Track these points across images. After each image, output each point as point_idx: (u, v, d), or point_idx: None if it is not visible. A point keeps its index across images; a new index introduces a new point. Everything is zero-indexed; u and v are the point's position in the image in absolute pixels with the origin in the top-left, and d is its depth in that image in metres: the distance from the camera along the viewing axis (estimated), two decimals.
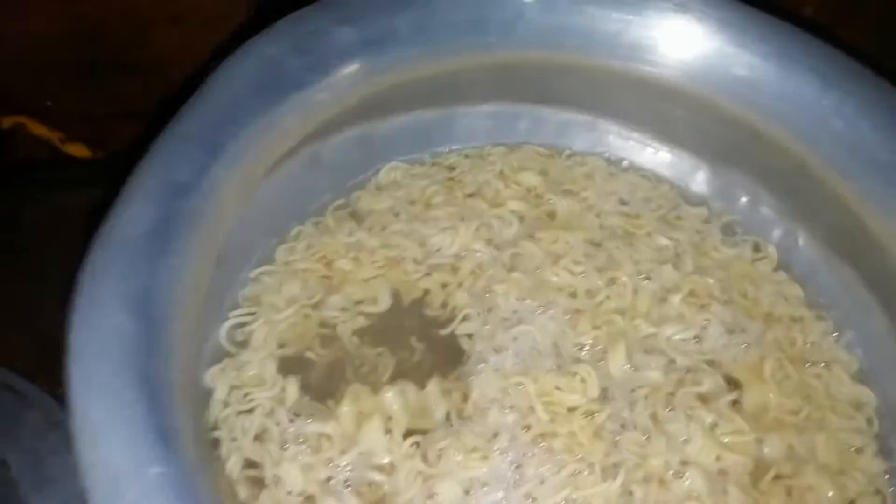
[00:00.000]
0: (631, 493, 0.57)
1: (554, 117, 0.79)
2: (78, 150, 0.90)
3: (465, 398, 0.62)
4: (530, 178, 0.77)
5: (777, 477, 0.59)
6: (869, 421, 0.63)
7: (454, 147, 0.80)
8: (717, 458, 0.58)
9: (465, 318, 0.67)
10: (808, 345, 0.67)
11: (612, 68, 0.72)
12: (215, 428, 0.59)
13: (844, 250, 0.68)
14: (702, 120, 0.72)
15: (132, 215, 0.52)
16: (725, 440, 0.59)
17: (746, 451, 0.59)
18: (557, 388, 0.61)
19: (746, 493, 0.57)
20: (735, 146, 0.73)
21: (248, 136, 0.58)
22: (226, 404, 0.60)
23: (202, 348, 0.63)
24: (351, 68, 0.65)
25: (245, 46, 0.62)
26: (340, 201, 0.75)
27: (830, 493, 0.58)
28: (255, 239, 0.70)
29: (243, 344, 0.64)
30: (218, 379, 0.61)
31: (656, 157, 0.79)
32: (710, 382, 0.63)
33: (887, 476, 0.60)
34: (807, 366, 0.66)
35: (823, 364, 0.66)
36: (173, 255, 0.51)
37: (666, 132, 0.77)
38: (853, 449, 0.61)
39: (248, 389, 0.61)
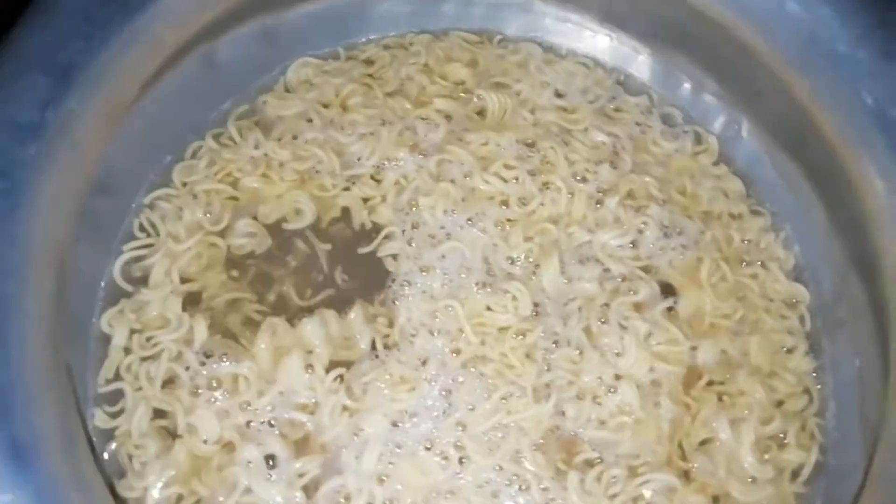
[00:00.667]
0: (563, 413, 0.56)
1: None
2: None
3: (391, 324, 0.58)
4: (458, 71, 0.69)
5: (709, 384, 0.58)
6: (801, 319, 0.62)
7: (371, 37, 0.71)
8: (651, 370, 0.57)
9: (388, 237, 0.62)
10: (746, 243, 0.65)
11: None
12: (117, 378, 0.55)
13: (788, 142, 0.64)
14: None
15: None
16: (659, 350, 0.58)
17: (680, 360, 0.58)
18: (488, 308, 0.58)
19: (678, 401, 0.57)
20: (679, 28, 0.66)
21: (106, 53, 0.48)
22: (127, 351, 0.56)
23: (95, 290, 0.57)
24: None
25: None
26: (243, 108, 0.66)
27: (759, 396, 0.57)
28: (146, 158, 0.62)
29: (141, 281, 0.58)
30: (115, 323, 0.56)
31: (595, 41, 0.71)
32: (645, 290, 0.60)
33: (815, 374, 0.60)
34: (743, 265, 0.63)
35: (760, 263, 0.64)
36: (20, 221, 0.43)
37: (606, 14, 0.69)
38: (784, 349, 0.61)
39: (150, 332, 0.56)
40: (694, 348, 0.58)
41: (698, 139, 0.69)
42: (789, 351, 0.60)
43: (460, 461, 0.54)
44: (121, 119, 0.51)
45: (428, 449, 0.54)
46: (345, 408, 0.54)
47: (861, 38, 0.51)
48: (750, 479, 0.55)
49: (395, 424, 0.54)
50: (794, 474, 0.56)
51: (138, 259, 0.59)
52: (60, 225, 0.45)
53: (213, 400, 0.54)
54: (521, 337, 0.57)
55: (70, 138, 0.46)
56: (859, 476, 0.51)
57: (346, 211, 0.62)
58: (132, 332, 0.56)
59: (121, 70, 0.49)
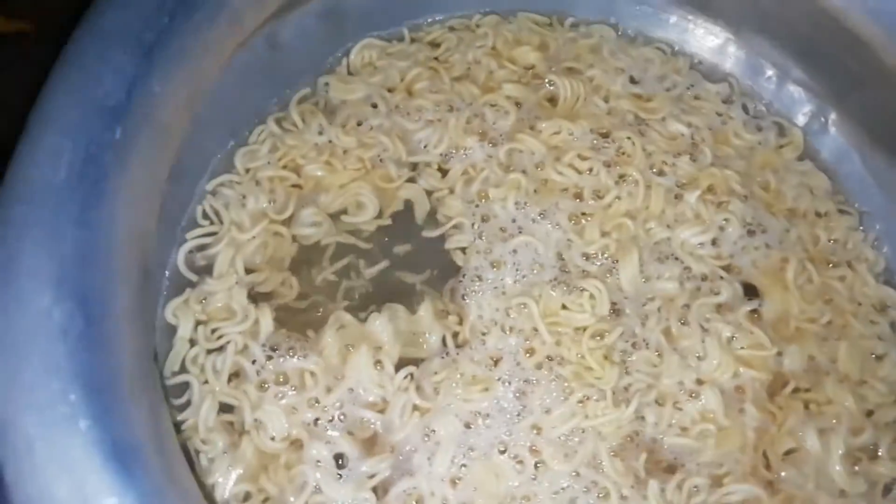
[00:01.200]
0: (643, 419, 0.53)
1: None
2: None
3: (462, 321, 0.56)
4: (527, 55, 0.66)
5: (795, 391, 0.55)
6: (892, 325, 0.59)
7: (437, 17, 0.68)
8: (734, 375, 0.55)
9: (457, 228, 0.59)
10: (832, 242, 0.61)
11: None
12: (183, 370, 0.53)
13: (882, 136, 0.60)
14: None
15: (48, 154, 0.41)
16: (743, 354, 0.55)
17: (765, 365, 0.55)
18: (564, 306, 0.56)
19: (763, 409, 0.54)
20: (763, 9, 0.62)
21: (189, 31, 0.46)
22: (192, 343, 0.54)
23: (159, 279, 0.55)
24: None
25: None
26: (306, 91, 0.64)
27: (848, 405, 0.54)
28: (208, 142, 0.60)
29: (206, 270, 0.56)
30: (180, 314, 0.54)
31: (672, 25, 0.68)
32: (728, 291, 0.57)
33: None
34: (830, 267, 0.60)
35: (847, 264, 0.61)
36: (104, 206, 0.41)
37: None
38: (874, 356, 0.58)
39: (216, 324, 0.54)
40: (780, 353, 0.56)
41: (782, 131, 0.65)
42: (879, 358, 0.57)
43: (536, 466, 0.52)
44: (196, 105, 0.49)
45: (502, 452, 0.52)
46: (415, 407, 0.53)
47: None
48: (839, 493, 0.52)
49: (467, 426, 0.52)
50: (888, 489, 0.53)
51: (202, 248, 0.57)
52: (144, 214, 0.44)
53: (280, 396, 0.52)
54: (599, 338, 0.55)
55: (153, 121, 0.43)
56: None
57: (408, 203, 0.60)
58: (197, 322, 0.54)
59: (202, 49, 0.47)
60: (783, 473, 0.53)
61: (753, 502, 0.51)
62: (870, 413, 0.55)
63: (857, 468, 0.53)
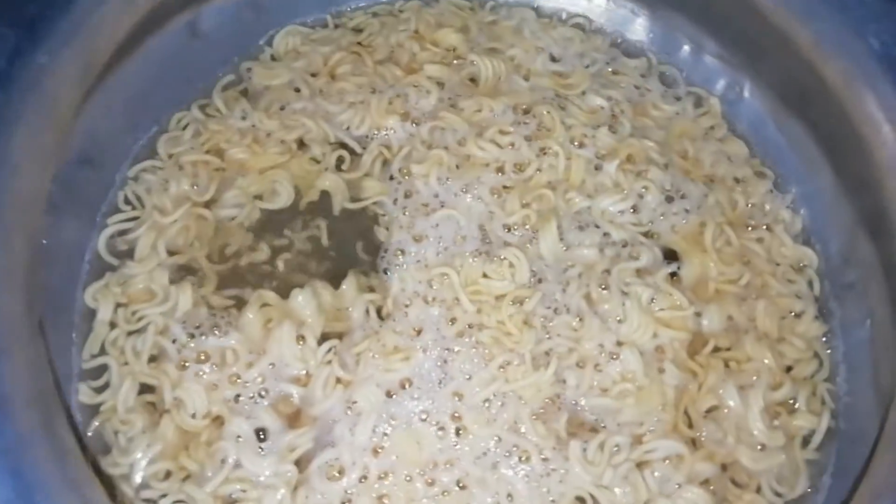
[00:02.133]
0: (564, 381, 0.54)
1: None
2: None
3: (385, 295, 0.56)
4: (449, 37, 0.67)
5: (715, 350, 0.56)
6: (810, 283, 0.60)
7: (360, 4, 0.69)
8: (654, 336, 0.55)
9: (378, 206, 0.60)
10: (750, 206, 0.63)
11: None
12: (102, 353, 0.53)
13: (793, 102, 0.62)
14: None
15: None
16: (663, 316, 0.56)
17: (685, 325, 0.56)
18: (484, 275, 0.56)
19: (683, 368, 0.55)
20: None
21: (77, 8, 0.46)
22: (112, 325, 0.54)
23: (79, 264, 0.55)
24: None
25: None
26: (229, 78, 0.65)
27: (767, 361, 0.55)
28: (130, 129, 0.61)
29: (127, 254, 0.57)
30: (100, 297, 0.54)
31: (591, 4, 0.69)
32: (647, 256, 0.58)
33: (825, 339, 0.58)
34: (748, 229, 0.61)
35: (765, 226, 0.62)
36: None
37: None
38: (793, 314, 0.59)
39: (136, 306, 0.54)
40: (698, 314, 0.56)
41: (699, 102, 0.67)
42: (797, 316, 0.58)
43: (457, 432, 0.52)
44: (98, 81, 0.49)
45: (424, 420, 0.52)
46: (338, 379, 0.53)
47: None
48: (759, 447, 0.53)
49: (389, 395, 0.53)
50: (805, 441, 0.54)
51: (123, 232, 0.57)
52: (30, 182, 0.43)
53: (201, 373, 0.52)
54: (518, 304, 0.55)
55: (41, 93, 0.44)
56: (872, 440, 0.49)
57: (325, 194, 0.60)
58: (117, 305, 0.54)
59: (93, 27, 0.47)
60: (704, 430, 0.53)
61: (675, 459, 0.52)
62: (788, 369, 0.56)
63: (776, 422, 0.54)
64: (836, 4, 0.51)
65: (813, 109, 0.58)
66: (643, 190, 0.61)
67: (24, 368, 0.40)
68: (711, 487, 0.52)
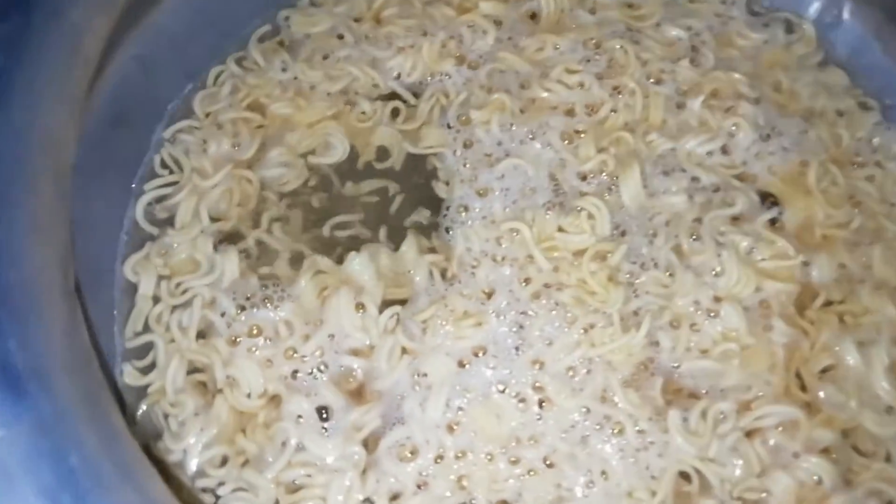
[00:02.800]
0: (657, 344, 0.48)
1: None
2: None
3: (449, 256, 0.51)
4: None
5: (827, 303, 0.49)
6: None
7: None
8: (757, 289, 0.49)
9: (437, 159, 0.54)
10: (857, 141, 0.55)
11: None
12: (147, 330, 0.49)
13: None
14: None
15: None
16: (766, 267, 0.49)
17: (791, 276, 0.49)
18: (560, 229, 0.50)
19: (793, 324, 0.48)
20: None
21: None
22: (156, 300, 0.49)
23: (116, 235, 0.51)
24: None
25: None
26: (266, 28, 0.59)
27: (889, 313, 0.48)
28: (164, 87, 0.56)
29: (167, 222, 0.52)
30: (141, 270, 0.50)
31: None
32: (743, 201, 0.51)
33: None
34: (856, 167, 0.54)
35: (875, 163, 0.55)
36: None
37: None
38: None
39: (180, 278, 0.50)
40: (806, 263, 0.50)
41: (790, 28, 0.59)
42: None
43: (540, 404, 0.46)
44: (126, 30, 0.44)
45: (502, 391, 0.47)
46: (404, 350, 0.48)
47: None
48: (886, 409, 0.46)
49: (461, 365, 0.47)
50: None
51: (162, 199, 0.53)
52: (55, 116, 0.38)
53: (254, 349, 0.48)
54: (601, 260, 0.49)
55: (65, 22, 0.39)
56: None
57: (382, 150, 0.55)
58: (160, 278, 0.50)
59: None
60: (821, 393, 0.47)
61: (790, 425, 0.46)
62: None
63: None
64: None
65: None
66: (733, 128, 0.54)
67: (62, 336, 0.35)
68: (833, 456, 0.46)
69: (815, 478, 0.45)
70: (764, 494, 0.44)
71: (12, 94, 0.36)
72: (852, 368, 0.47)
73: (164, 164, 0.54)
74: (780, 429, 0.46)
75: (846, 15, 0.58)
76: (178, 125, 0.55)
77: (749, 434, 0.46)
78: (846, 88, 0.57)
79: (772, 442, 0.45)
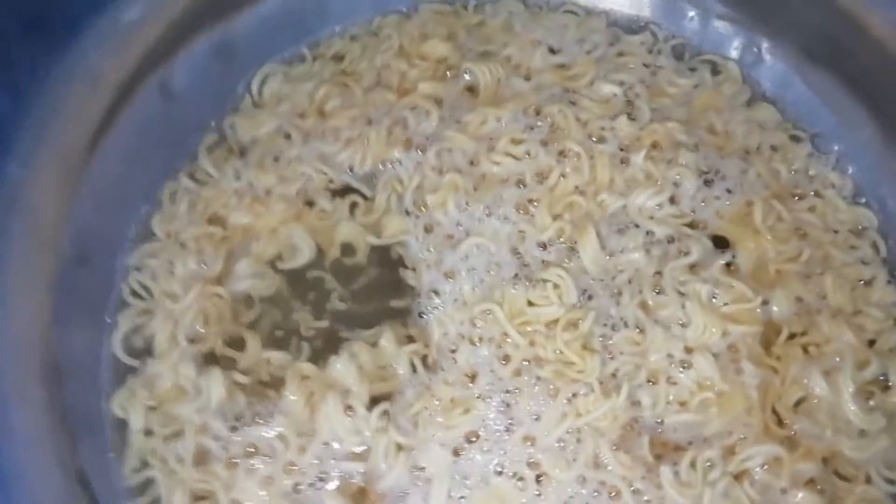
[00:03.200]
0: (639, 403, 0.50)
1: None
2: None
3: (427, 342, 0.52)
4: (438, 48, 0.62)
5: (791, 337, 0.52)
6: (874, 246, 0.56)
7: (335, 29, 0.64)
8: (724, 334, 0.51)
9: (401, 247, 0.55)
10: (794, 173, 0.58)
11: None
12: (145, 466, 0.49)
13: (818, 51, 0.57)
14: None
15: None
16: (728, 311, 0.52)
17: (753, 318, 0.52)
18: (530, 303, 0.52)
19: (761, 364, 0.51)
20: None
21: (40, 103, 0.42)
22: (148, 433, 0.49)
23: (96, 372, 0.51)
24: None
25: None
26: (212, 137, 0.60)
27: (848, 339, 0.51)
28: (118, 214, 0.56)
29: (146, 352, 0.52)
30: (128, 405, 0.50)
31: None
32: (697, 249, 0.54)
33: None
34: (797, 200, 0.57)
35: (814, 193, 0.58)
36: None
37: None
38: (863, 283, 0.55)
39: (168, 407, 0.50)
40: (766, 302, 0.53)
41: (716, 69, 0.62)
42: (868, 283, 0.55)
43: (538, 480, 0.48)
44: (79, 175, 0.45)
45: (499, 473, 0.48)
46: (399, 446, 0.49)
47: None
48: (859, 433, 0.49)
49: (456, 454, 0.49)
50: None
51: (137, 329, 0.53)
52: (37, 306, 0.39)
53: (252, 468, 0.48)
54: (573, 328, 0.51)
55: (22, 208, 0.39)
56: None
57: (347, 245, 0.56)
58: (148, 409, 0.50)
59: (62, 121, 0.42)
60: (797, 426, 0.50)
61: (774, 463, 0.48)
62: (871, 342, 0.53)
63: (871, 403, 0.50)
64: None
65: (849, 61, 0.54)
66: (678, 177, 0.56)
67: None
68: (819, 487, 0.48)
69: None
70: None
71: None
72: (822, 398, 0.50)
73: (133, 293, 0.54)
74: (766, 467, 0.48)
75: (765, 53, 0.61)
76: (141, 249, 0.55)
77: (737, 477, 0.48)
78: (777, 123, 0.60)
79: (758, 482, 0.48)
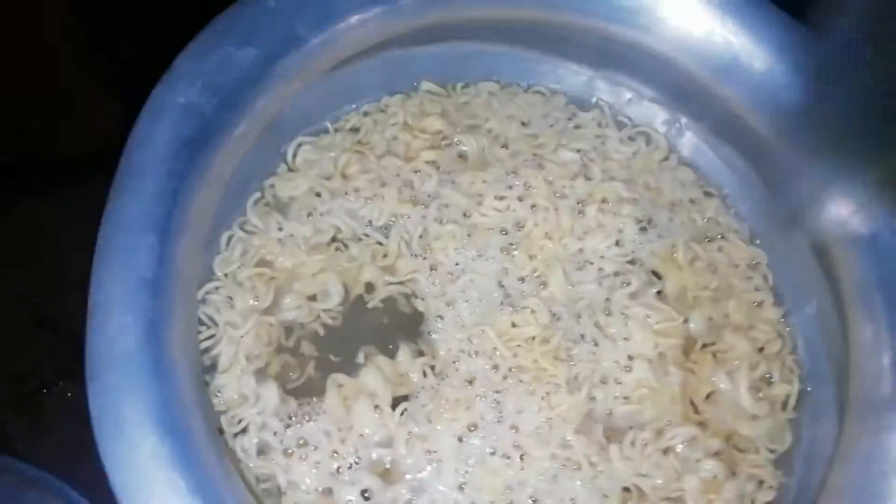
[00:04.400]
0: (594, 398, 0.66)
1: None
2: None
3: (435, 355, 0.68)
4: (434, 123, 0.77)
5: (703, 346, 0.70)
6: (764, 277, 0.74)
7: (352, 107, 0.79)
8: (655, 346, 0.68)
9: (413, 283, 0.71)
10: (707, 221, 0.76)
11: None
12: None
13: (720, 130, 0.76)
14: (586, 37, 0.75)
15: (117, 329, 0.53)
16: (659, 328, 0.69)
17: (677, 332, 0.69)
18: (513, 324, 0.68)
19: (682, 367, 0.68)
20: (615, 53, 0.77)
21: (191, 202, 0.58)
22: (220, 431, 0.64)
23: None
24: (261, 93, 0.65)
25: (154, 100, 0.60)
26: (257, 195, 0.74)
27: (744, 347, 0.69)
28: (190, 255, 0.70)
29: (212, 367, 0.66)
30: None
31: (546, 72, 0.81)
32: (636, 280, 0.71)
33: (783, 319, 0.72)
34: (709, 242, 0.75)
35: (720, 236, 0.76)
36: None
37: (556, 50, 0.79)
38: (756, 304, 0.73)
39: (234, 411, 0.64)
40: (686, 321, 0.70)
41: (649, 139, 0.80)
42: (759, 305, 0.72)
43: (521, 458, 0.64)
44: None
45: (492, 454, 0.64)
46: (416, 435, 0.64)
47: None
48: (752, 417, 0.67)
49: (460, 440, 0.64)
50: (784, 404, 0.68)
51: (205, 350, 0.67)
52: (189, 375, 0.55)
53: (304, 456, 0.63)
54: (546, 343, 0.68)
55: (180, 290, 0.54)
56: (833, 395, 0.64)
57: (369, 284, 0.71)
58: (218, 414, 0.64)
59: (202, 212, 0.59)
60: (708, 413, 0.67)
61: (691, 440, 0.65)
62: (761, 349, 0.70)
63: (760, 395, 0.68)
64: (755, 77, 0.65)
65: (741, 141, 0.72)
66: (621, 225, 0.73)
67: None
68: (722, 457, 0.65)
69: (713, 475, 0.65)
70: (681, 493, 0.64)
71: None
72: (726, 392, 0.67)
73: (201, 322, 0.68)
74: (686, 444, 0.65)
75: (684, 128, 0.79)
76: (206, 287, 0.69)
77: (665, 451, 0.64)
78: (694, 181, 0.78)
79: (681, 454, 0.65)
